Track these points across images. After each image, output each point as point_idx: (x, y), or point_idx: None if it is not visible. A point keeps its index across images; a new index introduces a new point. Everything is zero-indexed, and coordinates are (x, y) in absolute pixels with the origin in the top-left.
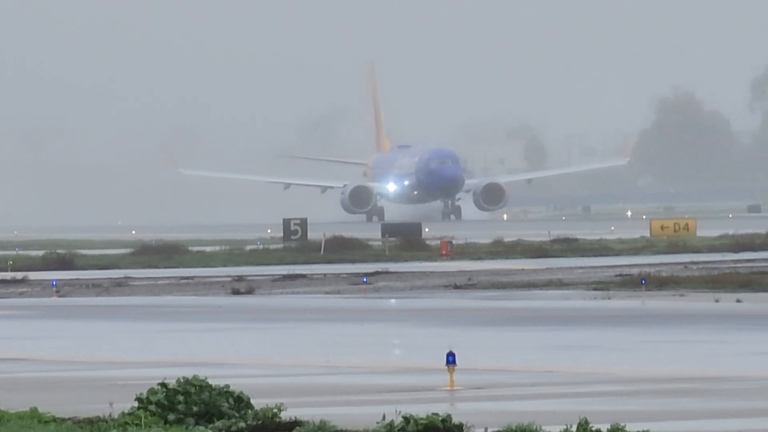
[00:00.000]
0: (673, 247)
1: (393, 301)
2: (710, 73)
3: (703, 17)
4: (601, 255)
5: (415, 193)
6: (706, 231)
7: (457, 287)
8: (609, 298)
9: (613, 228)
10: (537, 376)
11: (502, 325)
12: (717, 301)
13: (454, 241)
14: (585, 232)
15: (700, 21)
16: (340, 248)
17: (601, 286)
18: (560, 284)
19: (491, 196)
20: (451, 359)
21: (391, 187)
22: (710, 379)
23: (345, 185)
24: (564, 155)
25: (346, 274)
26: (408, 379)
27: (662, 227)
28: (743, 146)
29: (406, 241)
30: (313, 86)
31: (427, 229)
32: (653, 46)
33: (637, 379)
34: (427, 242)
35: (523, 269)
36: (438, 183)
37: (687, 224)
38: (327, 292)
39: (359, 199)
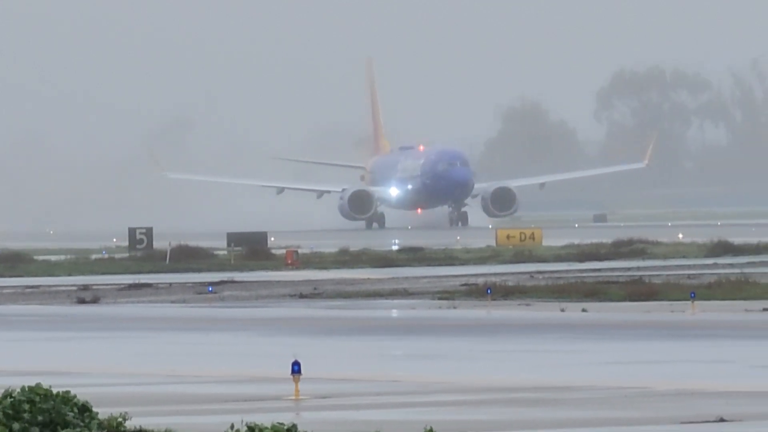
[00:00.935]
0: (519, 257)
1: (238, 310)
2: (556, 84)
3: (549, 27)
4: (448, 264)
5: (420, 197)
6: (552, 240)
7: (302, 296)
8: (455, 308)
9: (459, 238)
10: (382, 386)
11: (348, 334)
12: (562, 310)
13: (300, 251)
14: (431, 242)
15: (547, 31)
16: (186, 257)
17: (447, 295)
18: (406, 294)
19: (501, 201)
20: (296, 368)
21: (393, 191)
22: (556, 388)
23: (344, 189)
24: None
25: (192, 283)
26: (253, 389)
27: (508, 237)
28: (589, 156)
29: (252, 250)
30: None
31: (272, 238)
32: (500, 56)
33: (483, 388)
34: (273, 251)
35: (368, 278)
36: (446, 187)
37: (533, 234)
38: (173, 302)
39: (359, 205)
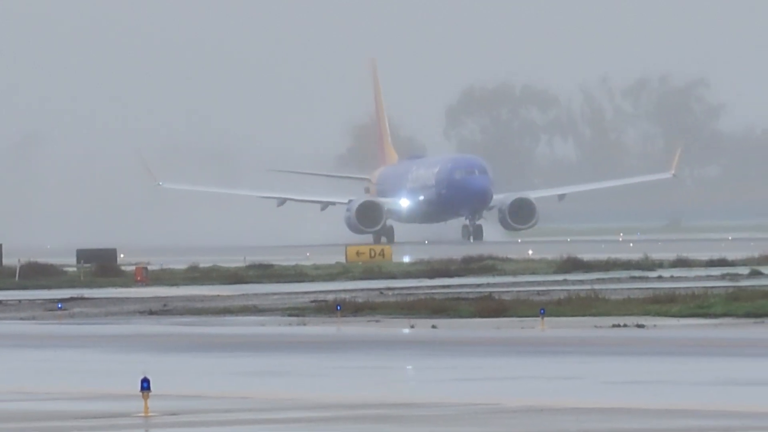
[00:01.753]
0: (369, 273)
1: (88, 326)
2: (406, 100)
3: (398, 45)
4: (297, 281)
5: (435, 207)
6: (402, 257)
7: (152, 313)
8: (304, 324)
9: (309, 254)
10: (232, 402)
11: (198, 351)
12: (412, 326)
13: (149, 267)
14: (280, 258)
15: (396, 48)
16: (35, 274)
17: (297, 312)
18: (256, 310)
19: (521, 213)
20: (145, 385)
21: (404, 203)
22: (405, 405)
23: (350, 201)
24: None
25: (42, 300)
26: (102, 406)
27: (357, 253)
28: None
29: (101, 266)
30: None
31: (122, 255)
32: (349, 73)
33: (333, 404)
34: (123, 268)
35: (218, 295)
36: (464, 197)
37: (382, 250)
38: (22, 318)
39: (368, 217)
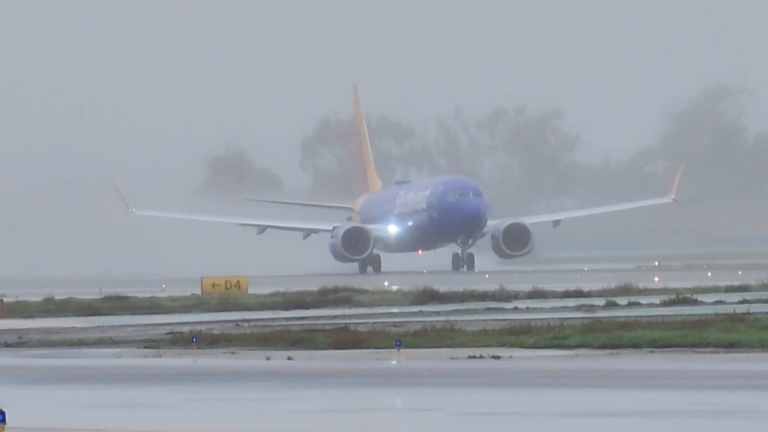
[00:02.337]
0: (225, 305)
1: None
2: (261, 132)
3: (250, 76)
4: (153, 313)
5: (425, 233)
6: (258, 289)
7: (7, 345)
8: (160, 356)
9: (164, 285)
10: None
11: (53, 383)
12: (268, 358)
13: (5, 299)
14: (136, 290)
15: (249, 80)
16: None
17: (153, 343)
18: (112, 342)
19: (515, 240)
20: (0, 418)
21: (392, 229)
22: None
23: (335, 227)
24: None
25: None
26: None
27: (213, 285)
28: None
29: None
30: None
31: None
32: (207, 105)
33: None
34: None
35: (74, 327)
36: (458, 220)
37: (238, 281)
38: None
39: (354, 244)
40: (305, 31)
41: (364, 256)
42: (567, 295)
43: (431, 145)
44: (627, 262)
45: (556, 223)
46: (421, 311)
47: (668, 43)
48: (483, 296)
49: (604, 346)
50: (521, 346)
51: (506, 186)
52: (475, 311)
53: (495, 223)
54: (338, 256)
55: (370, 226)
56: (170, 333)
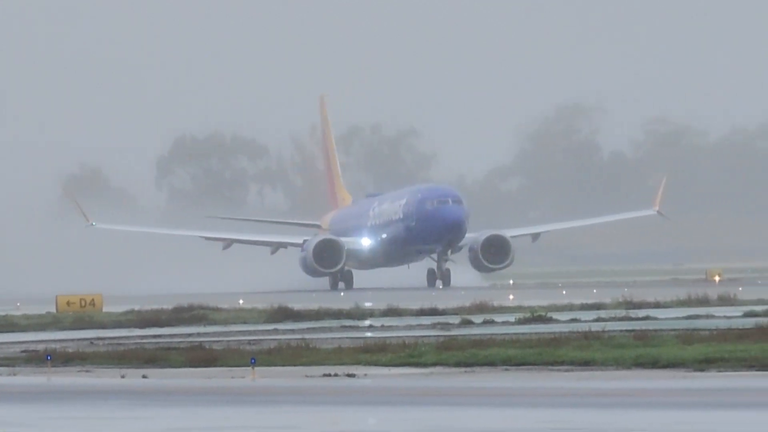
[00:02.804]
0: (80, 323)
1: None
2: (116, 151)
3: (107, 92)
4: (7, 331)
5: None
6: (113, 307)
7: None
8: (14, 374)
9: (18, 304)
10: None
11: None
12: (123, 376)
13: None
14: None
15: (107, 98)
16: None
17: (7, 362)
18: None
19: (495, 252)
20: None
21: (366, 242)
22: None
23: (305, 240)
24: None
25: None
26: None
27: (68, 303)
28: (147, 221)
29: None
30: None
31: None
32: (60, 123)
33: None
34: None
35: None
36: (437, 228)
37: (93, 300)
38: None
39: (326, 257)
40: (163, 46)
41: (336, 269)
42: (422, 313)
43: (286, 163)
44: (483, 280)
45: (536, 236)
46: (276, 329)
47: (522, 61)
48: (338, 314)
49: (458, 364)
50: (376, 364)
51: None
52: (330, 329)
53: (473, 236)
54: (309, 270)
55: (342, 239)
56: (24, 351)
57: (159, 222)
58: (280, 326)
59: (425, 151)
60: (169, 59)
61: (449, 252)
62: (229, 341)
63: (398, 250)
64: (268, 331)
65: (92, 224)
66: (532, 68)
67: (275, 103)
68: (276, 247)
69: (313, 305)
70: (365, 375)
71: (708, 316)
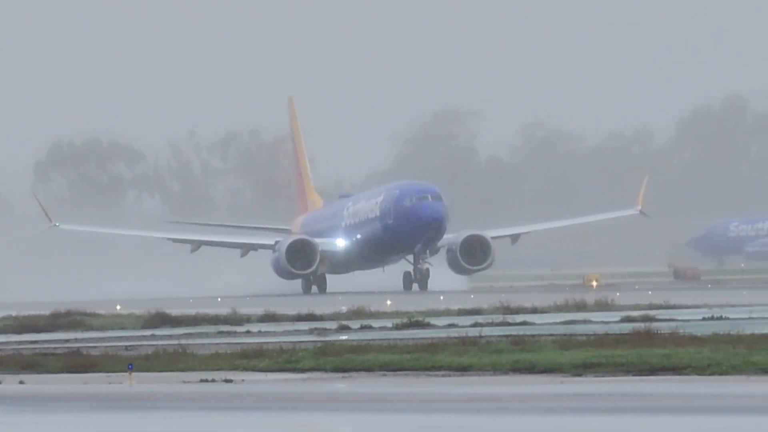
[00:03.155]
0: None
1: None
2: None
3: None
4: None
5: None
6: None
7: None
8: None
9: None
10: None
11: None
12: (0, 382)
13: None
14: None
15: None
16: None
17: None
18: None
19: (474, 253)
20: None
21: (340, 243)
22: None
23: (277, 241)
24: None
25: None
26: None
27: None
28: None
29: None
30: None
31: None
32: None
33: None
34: None
35: None
36: (416, 226)
37: None
38: None
39: (300, 258)
40: (38, 51)
41: (310, 270)
42: (299, 318)
43: (163, 169)
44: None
45: (515, 238)
46: (153, 335)
47: (399, 65)
48: (215, 320)
49: (336, 370)
50: (254, 369)
51: (238, 210)
52: (207, 335)
53: (451, 236)
54: (282, 272)
55: (316, 240)
56: None
57: (35, 228)
58: (158, 332)
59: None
60: (44, 63)
61: (427, 251)
62: (106, 347)
63: (375, 250)
64: (145, 337)
65: (56, 225)
66: (410, 73)
67: (152, 108)
68: (246, 249)
69: (191, 311)
70: (242, 380)
71: (585, 321)
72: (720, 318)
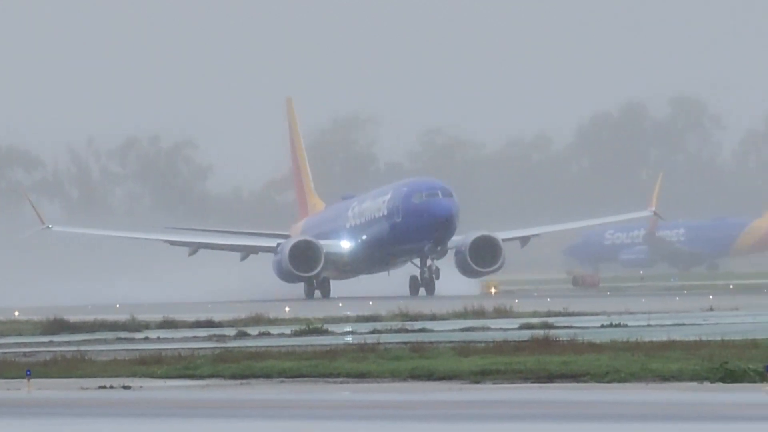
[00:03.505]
0: None
1: None
2: None
3: None
4: None
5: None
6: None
7: None
8: None
9: None
10: None
11: None
12: None
13: None
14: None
15: None
16: None
17: None
18: None
19: (484, 255)
20: None
21: (345, 245)
22: None
23: (279, 243)
24: None
25: None
26: None
27: None
28: None
29: None
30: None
31: None
32: None
33: None
34: None
35: None
36: (426, 223)
37: None
38: None
39: (303, 260)
40: None
41: (314, 273)
42: (198, 325)
43: (62, 174)
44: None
45: (525, 240)
46: (51, 341)
47: (298, 73)
48: (113, 326)
49: (234, 376)
50: (152, 376)
51: (135, 215)
52: (105, 341)
53: (460, 237)
54: (284, 275)
55: (321, 241)
56: None
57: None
58: (56, 338)
59: (202, 162)
60: None
61: (437, 249)
62: (4, 353)
63: (382, 250)
64: (43, 343)
65: (48, 227)
66: (308, 79)
67: (51, 114)
68: (247, 252)
69: (89, 317)
70: (141, 387)
71: (484, 329)
72: (618, 325)
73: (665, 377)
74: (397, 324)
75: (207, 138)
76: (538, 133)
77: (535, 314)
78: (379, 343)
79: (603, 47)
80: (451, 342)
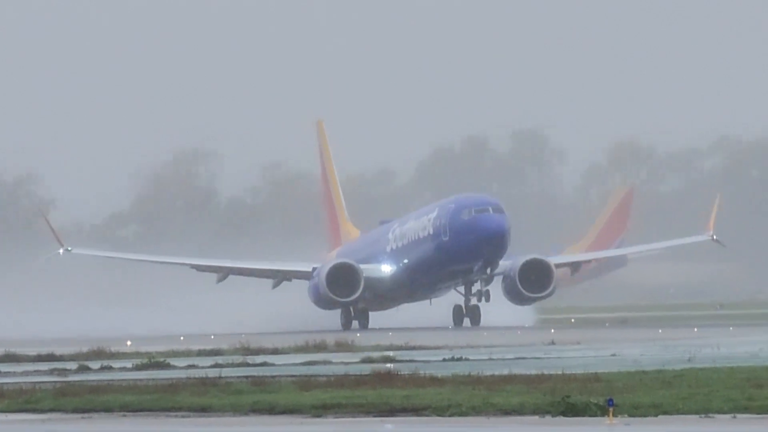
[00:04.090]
0: None
1: None
2: None
3: None
4: None
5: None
6: None
7: None
8: None
9: None
10: None
11: None
12: None
13: None
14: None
15: None
16: None
17: None
18: None
19: (534, 280)
20: None
21: (386, 269)
22: None
23: (315, 268)
24: None
25: None
26: None
27: None
28: None
29: None
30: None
31: None
32: None
33: None
34: None
35: None
36: (477, 242)
37: None
38: None
39: (342, 284)
40: None
41: (352, 298)
42: (39, 358)
43: None
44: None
45: (576, 266)
46: None
47: (142, 104)
48: None
49: (76, 410)
50: None
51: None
52: None
53: (508, 262)
54: (321, 301)
55: (361, 265)
56: None
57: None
58: None
59: (44, 196)
60: None
61: (486, 271)
62: None
63: (426, 274)
64: None
65: (68, 249)
66: (152, 111)
67: None
68: (280, 278)
69: None
70: None
71: (325, 362)
72: (460, 359)
73: (506, 411)
74: (238, 358)
75: (50, 171)
76: (380, 167)
77: (377, 348)
78: (220, 377)
79: (445, 82)
80: (292, 376)
